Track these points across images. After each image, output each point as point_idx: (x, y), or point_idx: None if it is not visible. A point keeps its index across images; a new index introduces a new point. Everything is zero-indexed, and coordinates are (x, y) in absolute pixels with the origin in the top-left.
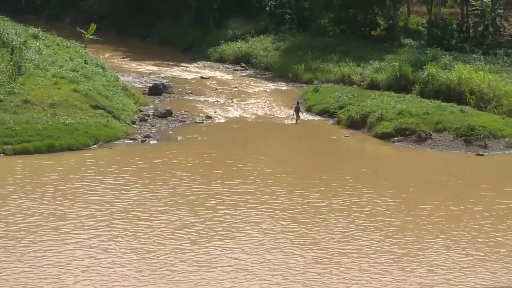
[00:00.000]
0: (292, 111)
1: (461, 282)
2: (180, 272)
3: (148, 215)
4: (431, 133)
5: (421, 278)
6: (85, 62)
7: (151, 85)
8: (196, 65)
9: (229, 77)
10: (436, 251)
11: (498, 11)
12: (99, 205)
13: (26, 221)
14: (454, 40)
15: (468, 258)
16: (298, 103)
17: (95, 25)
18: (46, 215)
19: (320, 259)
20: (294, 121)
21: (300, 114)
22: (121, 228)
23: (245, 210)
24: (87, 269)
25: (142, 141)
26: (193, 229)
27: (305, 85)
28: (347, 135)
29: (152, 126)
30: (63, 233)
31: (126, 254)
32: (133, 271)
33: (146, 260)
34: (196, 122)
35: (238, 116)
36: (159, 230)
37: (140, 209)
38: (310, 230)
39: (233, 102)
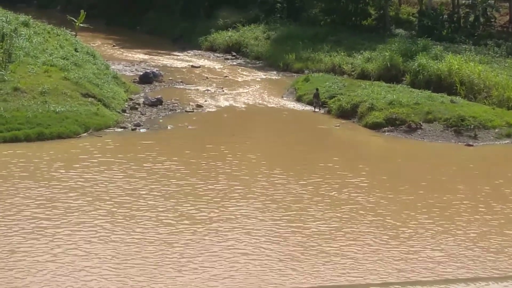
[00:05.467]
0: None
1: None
2: None
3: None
4: (421, 123)
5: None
6: (76, 50)
7: (141, 73)
8: (186, 54)
9: (220, 66)
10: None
11: (489, 1)
12: (85, 191)
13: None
14: (445, 31)
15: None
16: (317, 89)
17: (85, 13)
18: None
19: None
20: (317, 109)
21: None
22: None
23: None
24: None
25: (133, 130)
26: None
27: (295, 74)
28: (338, 125)
29: (143, 114)
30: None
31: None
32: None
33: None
34: (186, 111)
35: (228, 105)
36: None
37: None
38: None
39: (223, 91)
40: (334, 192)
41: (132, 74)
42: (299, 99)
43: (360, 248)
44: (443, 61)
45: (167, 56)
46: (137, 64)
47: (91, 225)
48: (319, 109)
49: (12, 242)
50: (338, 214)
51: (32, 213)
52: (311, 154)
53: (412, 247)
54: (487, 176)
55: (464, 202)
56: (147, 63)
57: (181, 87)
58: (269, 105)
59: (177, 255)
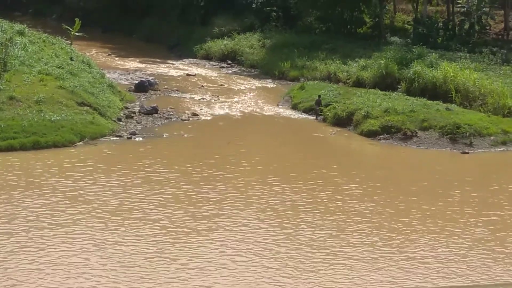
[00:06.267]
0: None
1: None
2: None
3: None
4: (416, 131)
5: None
6: (71, 59)
7: (137, 82)
8: (182, 62)
9: (215, 74)
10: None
11: (484, 9)
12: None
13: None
14: (440, 38)
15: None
16: (319, 96)
17: (80, 21)
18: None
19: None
20: (317, 117)
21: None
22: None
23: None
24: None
25: (128, 138)
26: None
27: (291, 82)
28: (333, 132)
29: (138, 123)
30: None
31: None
32: None
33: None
34: (182, 119)
35: (224, 113)
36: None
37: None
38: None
39: (219, 99)
40: (328, 199)
41: (128, 83)
42: (294, 107)
43: (353, 255)
44: (438, 68)
45: (162, 65)
46: (132, 73)
47: (85, 232)
48: (317, 118)
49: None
50: (332, 220)
51: (26, 220)
52: (306, 162)
53: (406, 254)
54: (482, 183)
55: (459, 209)
56: (142, 72)
57: (176, 95)
58: (264, 113)
59: (170, 263)
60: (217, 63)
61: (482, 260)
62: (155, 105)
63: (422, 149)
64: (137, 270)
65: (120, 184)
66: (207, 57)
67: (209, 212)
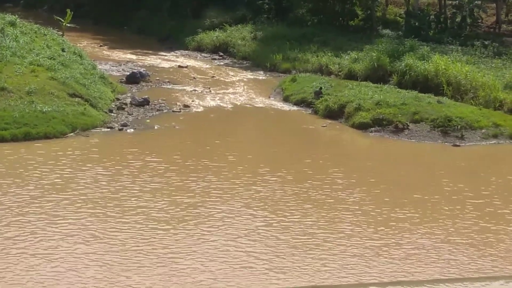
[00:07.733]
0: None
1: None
2: None
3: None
4: (408, 123)
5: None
6: (63, 50)
7: (128, 73)
8: (173, 54)
9: (207, 66)
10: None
11: (476, 2)
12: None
13: None
14: (431, 31)
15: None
16: (320, 88)
17: (72, 12)
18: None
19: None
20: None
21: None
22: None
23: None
24: None
25: (119, 130)
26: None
27: (282, 74)
28: (324, 125)
29: (130, 114)
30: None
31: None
32: None
33: None
34: (173, 111)
35: (215, 105)
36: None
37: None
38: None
39: (210, 91)
40: (316, 190)
41: (119, 74)
42: (286, 99)
43: (343, 246)
44: (430, 61)
45: (154, 56)
46: (124, 64)
47: (74, 221)
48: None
49: None
50: (321, 210)
51: (19, 211)
52: (296, 153)
53: (395, 244)
54: (472, 176)
55: (448, 200)
56: (134, 63)
57: (168, 87)
58: (256, 105)
59: (159, 254)
60: (209, 55)
61: (472, 251)
62: (146, 96)
63: (414, 142)
64: (125, 258)
65: (110, 175)
66: (199, 49)
67: (198, 201)
